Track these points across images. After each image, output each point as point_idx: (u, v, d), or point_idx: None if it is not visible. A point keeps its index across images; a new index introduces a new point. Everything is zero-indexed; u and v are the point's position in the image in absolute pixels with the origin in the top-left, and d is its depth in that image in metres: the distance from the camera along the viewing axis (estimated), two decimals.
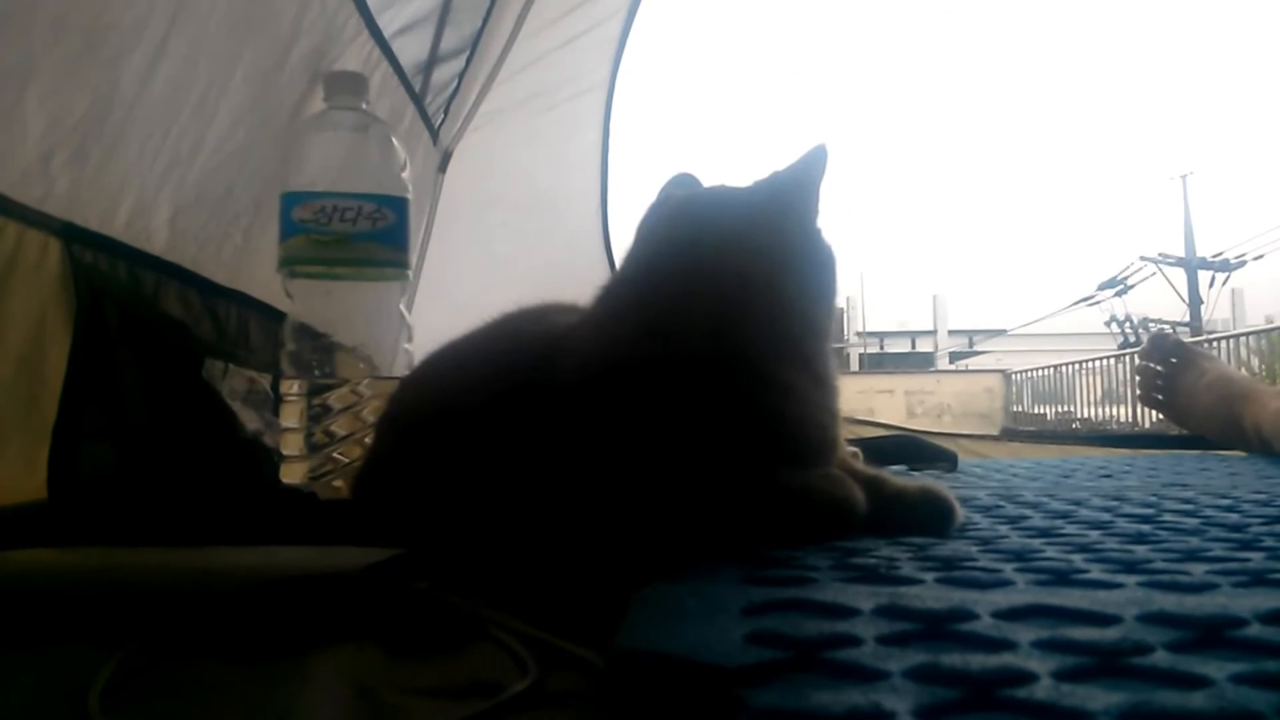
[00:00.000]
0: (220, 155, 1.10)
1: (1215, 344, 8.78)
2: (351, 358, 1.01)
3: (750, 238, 0.69)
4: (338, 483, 0.96)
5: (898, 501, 0.69)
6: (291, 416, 0.99)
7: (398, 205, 1.02)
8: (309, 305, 1.01)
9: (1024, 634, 0.39)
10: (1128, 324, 16.12)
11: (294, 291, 1.02)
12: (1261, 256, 15.13)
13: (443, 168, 1.94)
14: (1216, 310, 16.40)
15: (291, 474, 0.98)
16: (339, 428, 0.98)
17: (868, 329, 21.30)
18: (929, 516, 0.68)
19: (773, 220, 0.70)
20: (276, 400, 1.03)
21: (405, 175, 1.05)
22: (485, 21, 1.92)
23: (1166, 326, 13.95)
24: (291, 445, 0.99)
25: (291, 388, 0.99)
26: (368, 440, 0.89)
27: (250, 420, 1.06)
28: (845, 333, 19.74)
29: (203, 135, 1.07)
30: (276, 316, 1.04)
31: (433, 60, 1.73)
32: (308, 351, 1.00)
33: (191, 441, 1.00)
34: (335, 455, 0.97)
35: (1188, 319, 15.87)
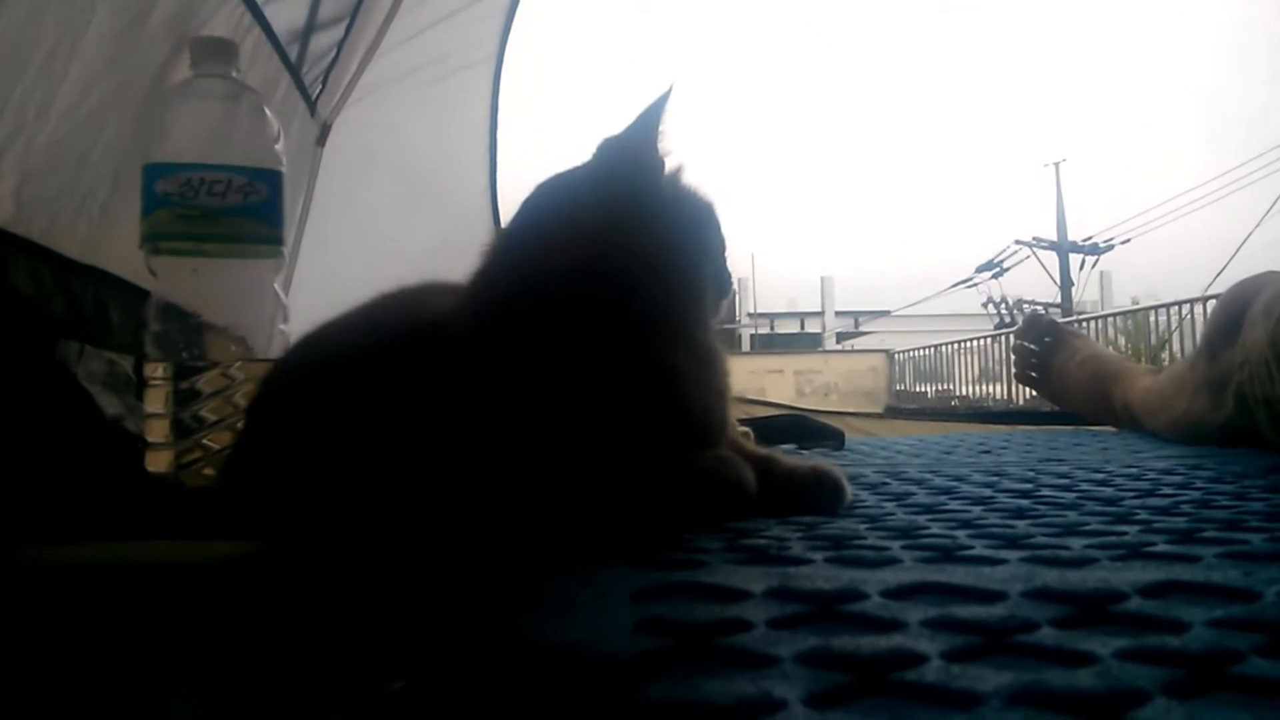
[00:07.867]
0: (72, 120, 1.02)
1: (1085, 324, 9.20)
2: (222, 339, 0.95)
3: (592, 217, 0.66)
4: (207, 470, 0.91)
5: (789, 481, 0.69)
6: (156, 401, 0.93)
7: (271, 179, 0.96)
8: (175, 283, 0.95)
9: (913, 613, 0.39)
10: (1003, 305, 16.82)
11: (158, 269, 0.96)
12: (1128, 241, 15.98)
13: (321, 141, 1.86)
14: (1086, 292, 17.24)
15: (157, 462, 0.92)
16: (209, 413, 0.92)
17: (758, 310, 21.62)
18: (819, 495, 0.69)
19: (610, 191, 0.67)
20: (140, 384, 0.96)
21: (279, 147, 0.99)
22: None
23: (1040, 307, 14.58)
24: (157, 432, 0.93)
25: (156, 371, 0.93)
26: (239, 426, 0.84)
27: (111, 405, 0.99)
28: (737, 314, 20.00)
29: (50, 98, 0.99)
30: (139, 295, 0.98)
31: (310, 27, 1.65)
32: (174, 332, 0.94)
33: (44, 427, 0.93)
34: (204, 442, 0.92)
35: (1059, 300, 16.66)
